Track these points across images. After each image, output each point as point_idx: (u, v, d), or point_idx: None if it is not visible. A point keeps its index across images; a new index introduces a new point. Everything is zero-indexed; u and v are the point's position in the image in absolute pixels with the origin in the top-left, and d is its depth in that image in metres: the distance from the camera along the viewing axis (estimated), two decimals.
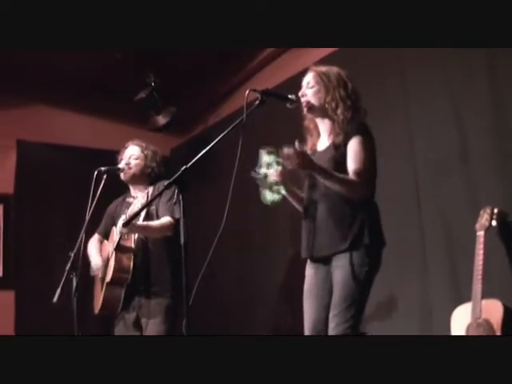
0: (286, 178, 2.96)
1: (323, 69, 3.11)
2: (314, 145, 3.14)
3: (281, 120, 4.19)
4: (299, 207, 3.17)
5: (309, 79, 3.09)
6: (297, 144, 2.81)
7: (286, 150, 2.81)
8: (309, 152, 3.11)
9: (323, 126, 3.11)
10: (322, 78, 3.06)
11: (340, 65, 3.16)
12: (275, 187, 2.91)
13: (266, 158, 2.91)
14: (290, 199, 3.13)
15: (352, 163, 2.93)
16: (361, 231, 2.89)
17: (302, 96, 3.07)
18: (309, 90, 3.07)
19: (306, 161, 2.82)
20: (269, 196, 2.92)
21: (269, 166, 2.90)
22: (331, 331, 2.86)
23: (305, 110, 3.08)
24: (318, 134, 3.14)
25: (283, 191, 2.93)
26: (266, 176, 2.89)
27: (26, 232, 5.69)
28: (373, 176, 2.98)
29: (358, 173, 2.90)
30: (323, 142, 3.11)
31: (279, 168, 2.91)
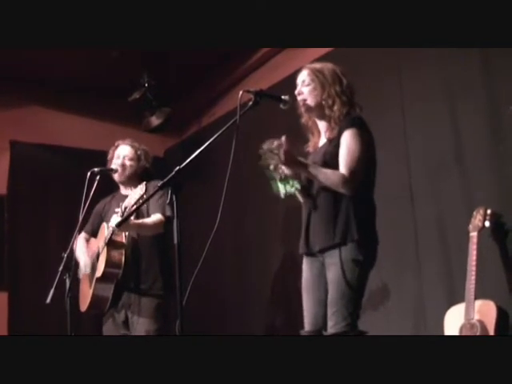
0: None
1: (317, 66, 3.09)
2: (316, 144, 3.14)
3: (276, 120, 4.19)
4: (302, 199, 3.16)
5: (303, 77, 3.08)
6: (283, 139, 2.81)
7: (266, 146, 2.82)
8: (311, 151, 3.13)
9: (321, 123, 3.11)
10: (317, 75, 3.04)
11: (335, 64, 3.15)
12: (291, 181, 2.92)
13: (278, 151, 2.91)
14: (300, 195, 3.11)
15: (342, 156, 2.92)
16: (349, 226, 2.89)
17: (299, 94, 3.06)
18: (305, 88, 3.05)
19: (288, 157, 2.82)
20: (282, 188, 2.92)
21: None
22: (330, 329, 2.86)
23: (302, 109, 3.07)
24: (319, 133, 3.14)
25: (298, 186, 2.94)
26: (276, 167, 2.88)
27: (20, 233, 5.68)
28: (364, 169, 2.93)
29: (346, 166, 2.89)
30: (322, 140, 3.11)
31: None
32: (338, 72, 3.06)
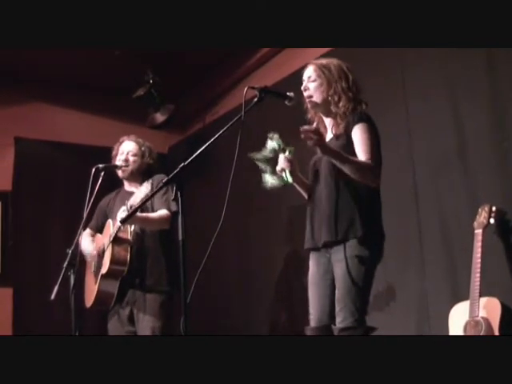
0: (294, 165, 2.98)
1: (324, 61, 3.09)
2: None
3: (280, 117, 4.18)
4: (306, 195, 3.17)
5: (310, 73, 3.07)
6: (315, 124, 2.84)
7: (306, 127, 2.81)
8: None
9: (327, 119, 3.11)
10: (324, 71, 3.04)
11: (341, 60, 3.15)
12: (282, 174, 2.93)
13: (271, 143, 2.94)
14: (298, 187, 3.13)
15: (361, 150, 2.91)
16: (353, 222, 2.89)
17: (305, 90, 3.07)
18: (311, 84, 3.06)
19: (323, 140, 2.83)
20: (270, 180, 2.94)
21: (273, 152, 2.92)
22: (338, 325, 2.86)
23: (308, 105, 3.08)
24: (325, 129, 3.13)
25: (290, 179, 2.94)
26: (267, 160, 2.91)
27: (24, 229, 5.69)
28: (380, 163, 2.96)
29: (369, 158, 2.89)
30: (328, 135, 3.11)
31: (287, 155, 2.93)
32: (345, 68, 3.06)
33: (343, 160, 2.86)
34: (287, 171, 2.95)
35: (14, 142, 5.79)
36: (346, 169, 2.87)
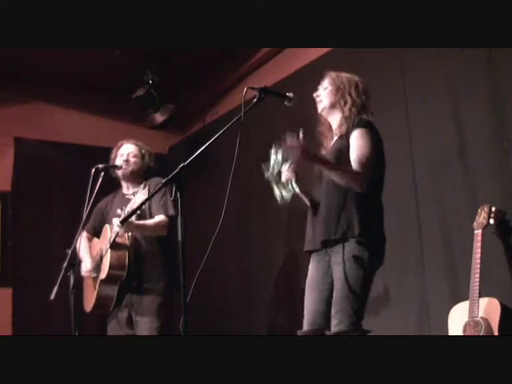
0: (299, 175, 3.01)
1: (340, 73, 3.20)
2: (329, 145, 3.19)
3: (281, 117, 4.18)
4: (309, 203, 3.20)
5: (324, 83, 3.19)
6: (301, 134, 2.86)
7: (289, 141, 2.84)
8: (323, 152, 3.16)
9: (334, 123, 3.17)
10: (335, 80, 3.15)
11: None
12: (288, 185, 2.94)
13: (274, 155, 2.94)
14: (302, 196, 3.15)
15: (353, 154, 2.96)
16: (351, 223, 2.91)
17: (317, 97, 3.17)
18: (323, 92, 3.16)
19: (307, 152, 2.86)
20: (278, 193, 2.94)
21: (278, 164, 2.92)
22: (334, 328, 2.87)
23: (319, 109, 3.16)
24: (332, 137, 3.19)
25: (296, 188, 2.96)
26: (273, 173, 2.91)
27: (24, 229, 5.69)
28: (374, 168, 2.97)
29: (359, 163, 2.93)
30: (334, 139, 3.17)
31: (291, 165, 2.95)
32: (357, 79, 3.16)
33: (329, 168, 2.93)
34: (293, 181, 2.97)
35: (14, 142, 5.79)
36: (332, 175, 2.93)
